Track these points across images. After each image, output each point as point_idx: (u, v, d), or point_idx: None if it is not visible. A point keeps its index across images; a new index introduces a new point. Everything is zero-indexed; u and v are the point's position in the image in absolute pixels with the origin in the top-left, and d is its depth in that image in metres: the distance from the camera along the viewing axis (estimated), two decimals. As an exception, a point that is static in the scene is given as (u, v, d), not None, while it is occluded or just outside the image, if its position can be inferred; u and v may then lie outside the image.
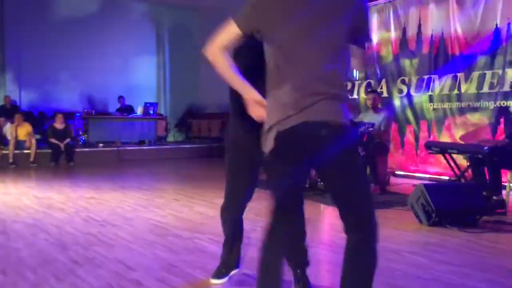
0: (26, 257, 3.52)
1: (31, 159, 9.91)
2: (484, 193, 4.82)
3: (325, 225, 4.89)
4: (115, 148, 11.41)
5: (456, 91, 7.28)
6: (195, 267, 3.25)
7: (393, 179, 7.35)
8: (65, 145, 10.09)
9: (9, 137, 9.94)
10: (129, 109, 12.85)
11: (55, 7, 13.22)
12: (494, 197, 5.01)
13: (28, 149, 9.97)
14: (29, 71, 12.79)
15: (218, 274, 2.98)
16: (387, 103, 7.98)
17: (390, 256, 3.49)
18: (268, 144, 1.99)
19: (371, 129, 6.50)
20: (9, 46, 12.79)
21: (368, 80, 8.70)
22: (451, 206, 4.45)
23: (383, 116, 6.69)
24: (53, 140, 10.07)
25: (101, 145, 11.54)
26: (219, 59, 1.97)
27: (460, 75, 7.21)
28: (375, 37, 8.53)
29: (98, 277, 3.07)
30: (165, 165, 10.53)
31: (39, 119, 12.21)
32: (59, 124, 10.31)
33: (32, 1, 12.73)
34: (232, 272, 3.01)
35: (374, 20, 8.53)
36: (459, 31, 7.21)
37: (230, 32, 1.95)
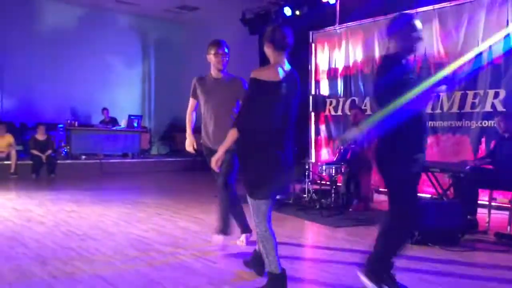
0: (3, 271, 3.44)
1: (12, 171, 9.74)
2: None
3: (308, 241, 4.88)
4: (98, 161, 11.29)
5: (438, 110, 7.39)
6: (177, 284, 3.20)
7: (376, 196, 7.39)
8: (47, 157, 9.95)
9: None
10: (113, 121, 12.75)
11: (39, 17, 13.13)
12: (469, 217, 4.99)
13: (8, 160, 9.81)
14: (11, 81, 12.64)
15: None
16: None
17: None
18: None
19: (353, 146, 6.56)
20: (-8, 55, 12.65)
21: (353, 98, 8.78)
22: (434, 224, 4.47)
23: (366, 133, 6.74)
24: (34, 152, 9.92)
25: (83, 157, 11.40)
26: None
27: (443, 94, 7.31)
28: (359, 55, 8.64)
29: (78, 293, 3.01)
30: (148, 178, 10.44)
31: (20, 129, 12.03)
32: (41, 136, 10.17)
33: (16, 11, 12.63)
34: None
35: (359, 39, 8.65)
36: (442, 51, 7.34)
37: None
